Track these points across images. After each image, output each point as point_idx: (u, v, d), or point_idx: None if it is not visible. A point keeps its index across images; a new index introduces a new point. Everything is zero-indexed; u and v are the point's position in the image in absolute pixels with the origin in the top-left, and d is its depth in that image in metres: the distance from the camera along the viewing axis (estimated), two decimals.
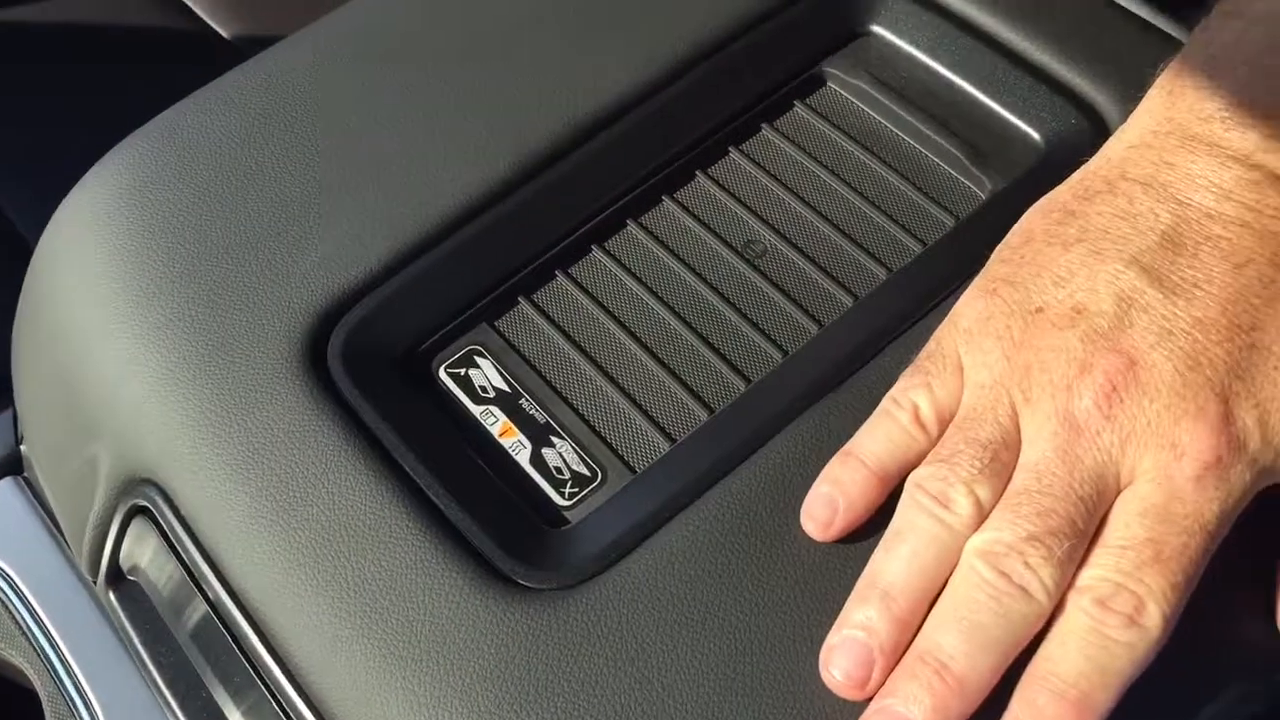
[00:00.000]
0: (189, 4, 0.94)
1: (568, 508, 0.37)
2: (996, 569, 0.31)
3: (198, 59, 0.90)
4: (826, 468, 0.35)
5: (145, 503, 0.38)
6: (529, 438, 0.38)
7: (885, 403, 0.35)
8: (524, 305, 0.41)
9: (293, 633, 0.35)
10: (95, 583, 0.42)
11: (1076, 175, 0.36)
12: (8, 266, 0.52)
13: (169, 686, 0.39)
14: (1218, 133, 0.33)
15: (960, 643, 0.31)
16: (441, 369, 0.40)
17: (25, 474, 0.47)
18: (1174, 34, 0.43)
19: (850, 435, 0.36)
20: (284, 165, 0.42)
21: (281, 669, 0.35)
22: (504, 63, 0.44)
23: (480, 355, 0.40)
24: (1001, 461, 0.32)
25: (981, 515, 0.32)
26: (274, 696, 0.35)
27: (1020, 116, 0.43)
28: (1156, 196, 0.33)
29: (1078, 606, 0.31)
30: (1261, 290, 0.32)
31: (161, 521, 0.38)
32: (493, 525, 0.36)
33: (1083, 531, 0.31)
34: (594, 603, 0.34)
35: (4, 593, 0.43)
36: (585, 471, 0.38)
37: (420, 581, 0.34)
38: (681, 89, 0.44)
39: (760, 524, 0.35)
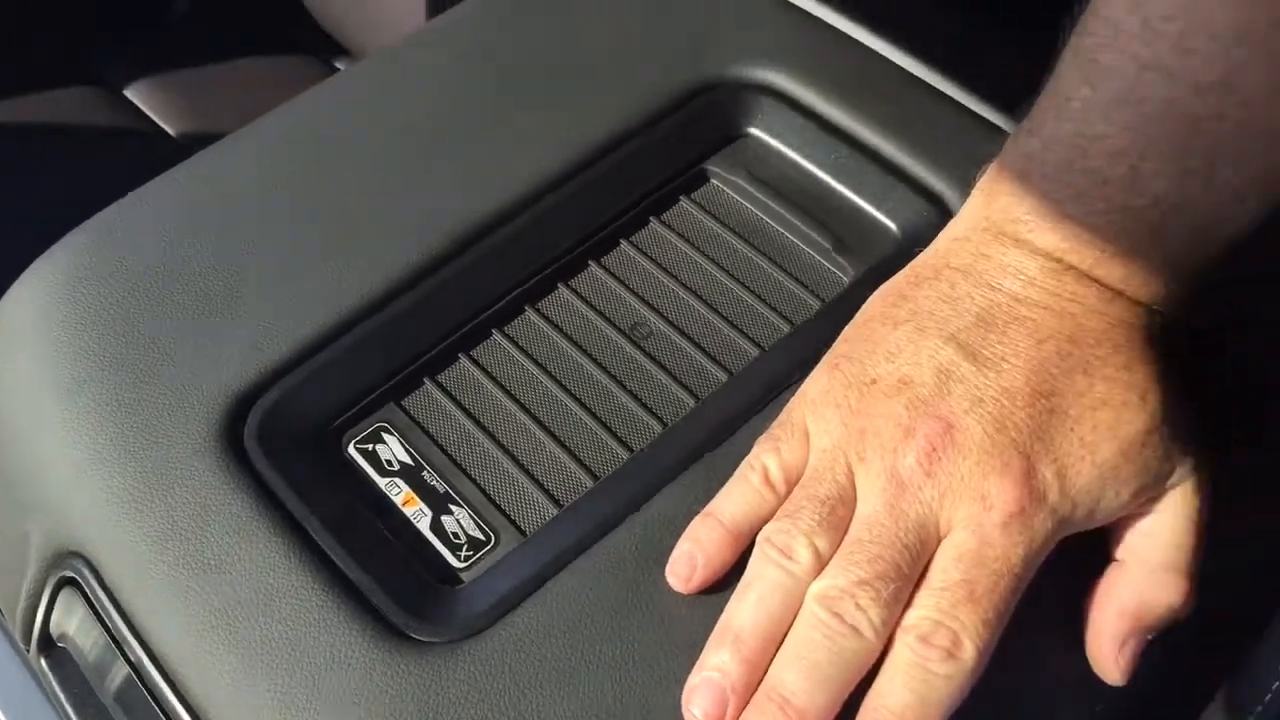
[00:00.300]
0: (138, 104, 0.98)
1: (463, 569, 0.40)
2: (831, 611, 0.35)
3: (145, 156, 0.94)
4: (689, 527, 0.38)
5: (73, 574, 0.41)
6: (429, 506, 0.42)
7: (741, 467, 0.39)
8: (428, 385, 0.44)
9: (206, 692, 0.38)
10: (29, 650, 0.45)
11: (912, 263, 0.40)
12: None
13: None
14: (1024, 232, 0.38)
15: (801, 680, 0.34)
16: (351, 445, 0.43)
17: None
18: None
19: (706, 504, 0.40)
20: (208, 260, 0.46)
21: None
22: (413, 167, 0.48)
23: (387, 432, 0.44)
24: (839, 515, 0.36)
25: (821, 564, 0.36)
26: None
27: (879, 209, 0.48)
28: (973, 283, 0.38)
29: (903, 644, 0.34)
30: (1059, 362, 0.36)
31: (88, 591, 0.41)
32: (391, 585, 0.39)
33: (907, 575, 0.35)
34: (480, 654, 0.37)
35: None
36: (480, 536, 0.41)
37: (323, 639, 0.37)
38: (577, 186, 0.48)
39: (634, 577, 0.38)
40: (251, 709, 0.37)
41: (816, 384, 0.39)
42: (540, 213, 0.47)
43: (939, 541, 0.35)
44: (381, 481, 0.42)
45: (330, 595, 0.38)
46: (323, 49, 1.08)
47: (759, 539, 0.37)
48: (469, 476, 0.42)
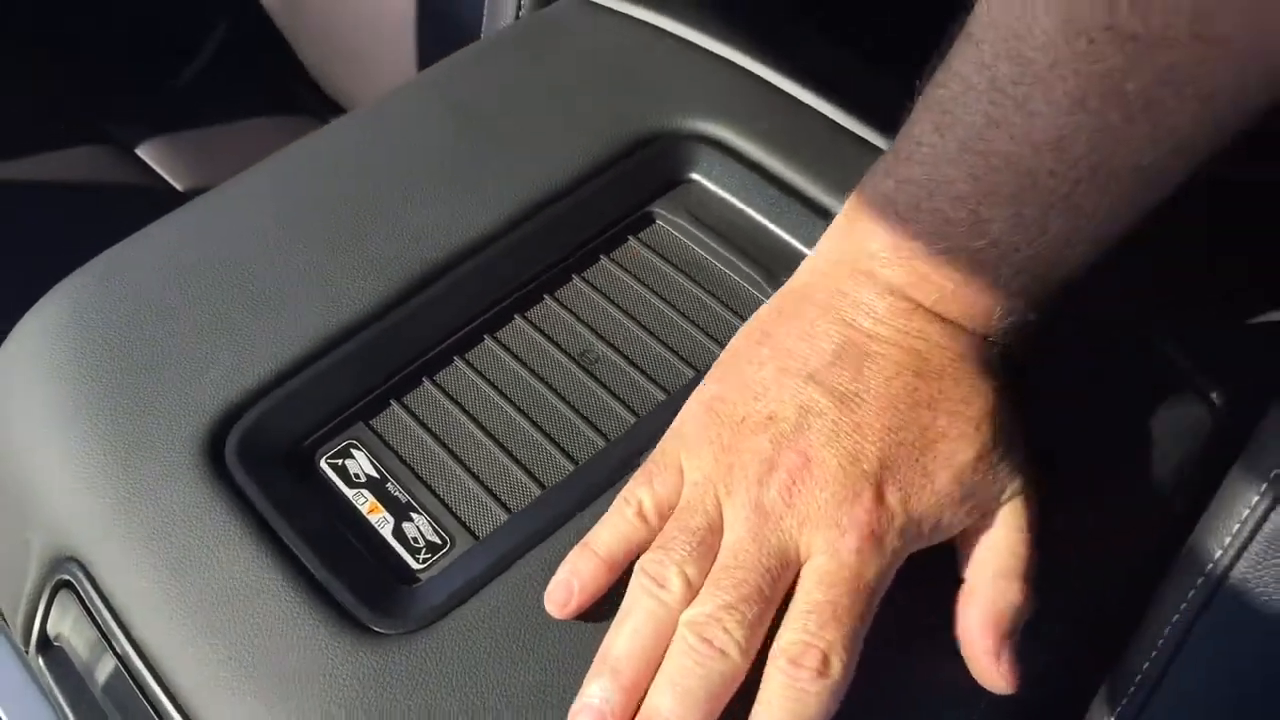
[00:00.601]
0: (148, 161, 1.04)
1: (421, 570, 0.45)
2: (701, 637, 0.38)
3: (153, 211, 1.00)
4: (568, 557, 0.42)
5: (69, 577, 0.45)
6: (392, 514, 0.46)
7: (617, 500, 0.42)
8: (395, 406, 0.49)
9: (186, 679, 0.42)
10: (27, 651, 0.49)
11: (778, 293, 0.44)
12: None
13: None
14: (876, 267, 0.41)
15: (674, 704, 0.37)
16: (323, 460, 0.48)
17: None
18: None
19: None
20: (196, 296, 0.50)
21: (179, 711, 0.42)
22: (384, 209, 0.53)
23: (356, 448, 0.48)
24: (708, 545, 0.39)
25: (692, 592, 0.39)
26: None
27: (804, 243, 0.52)
28: (830, 319, 0.41)
29: (775, 668, 0.37)
30: (907, 398, 0.39)
31: (81, 592, 0.45)
32: (355, 584, 0.43)
33: (769, 598, 0.38)
34: (433, 643, 0.41)
35: None
36: (437, 540, 0.45)
37: (290, 630, 0.42)
38: (534, 227, 0.53)
39: None
40: (228, 694, 0.41)
41: (691, 422, 0.42)
42: (500, 250, 0.52)
43: (800, 566, 0.39)
44: (349, 493, 0.47)
45: (300, 593, 0.42)
46: (323, 110, 1.13)
47: (635, 569, 0.40)
48: (429, 487, 0.47)
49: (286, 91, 1.16)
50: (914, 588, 0.40)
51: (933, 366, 0.40)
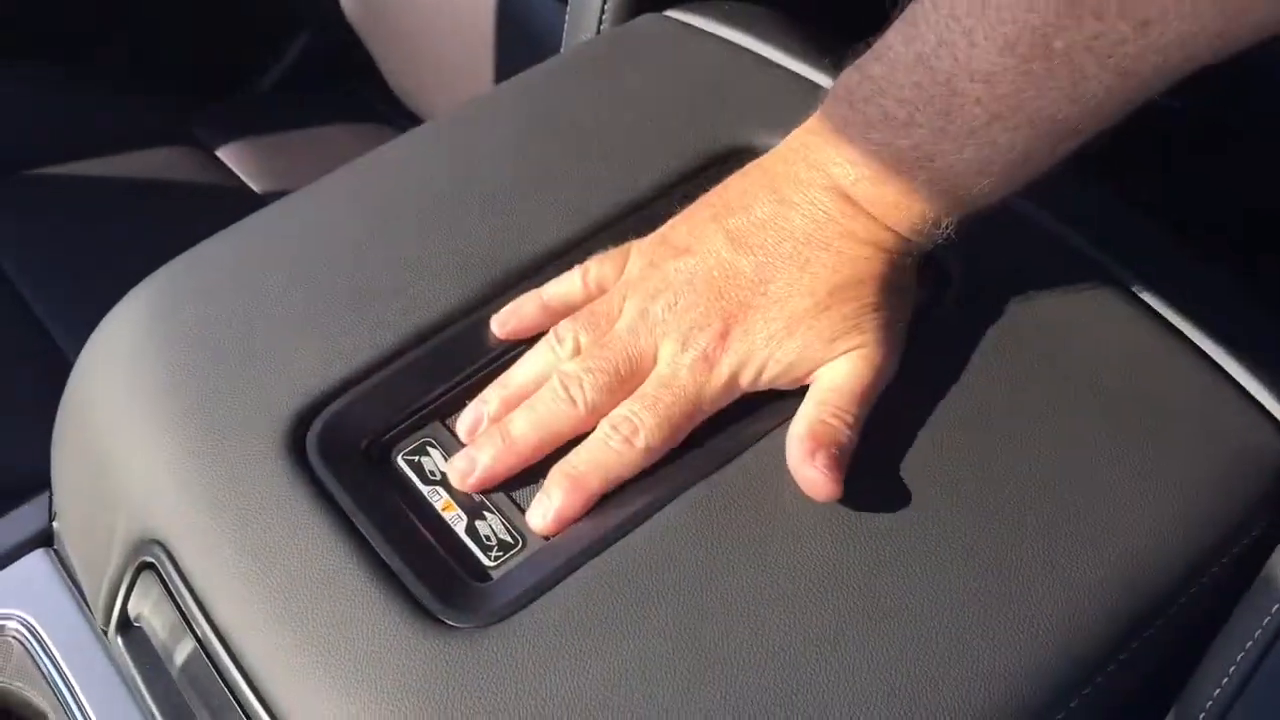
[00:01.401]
0: (228, 164, 1.07)
1: (493, 567, 0.45)
2: (563, 383, 0.47)
3: (233, 211, 1.02)
4: (520, 299, 0.51)
5: (152, 559, 0.47)
6: (466, 512, 0.47)
7: (580, 265, 0.51)
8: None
9: (263, 663, 0.43)
10: (106, 631, 0.50)
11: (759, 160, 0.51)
12: (47, 374, 0.62)
13: (162, 714, 0.47)
14: (816, 146, 0.47)
15: (523, 422, 0.47)
16: (399, 456, 0.49)
17: (55, 546, 0.56)
18: None
19: (720, 510, 0.45)
20: (281, 293, 0.52)
21: (254, 693, 0.43)
22: (463, 213, 0.54)
23: (432, 446, 0.49)
24: (603, 329, 0.48)
25: (578, 350, 0.48)
26: (247, 717, 0.43)
27: None
28: (767, 189, 0.48)
29: (600, 427, 0.47)
30: (787, 258, 0.47)
31: (164, 574, 0.46)
32: (428, 577, 0.44)
33: (623, 379, 0.47)
34: (503, 638, 0.42)
35: (30, 643, 0.52)
36: (509, 539, 0.46)
37: (365, 620, 0.43)
38: (613, 235, 0.54)
39: (637, 579, 0.43)
40: (302, 677, 0.42)
41: (652, 237, 0.51)
42: (579, 256, 0.53)
43: (654, 366, 0.47)
44: (425, 489, 0.48)
45: (375, 583, 0.44)
46: (400, 119, 1.16)
47: (552, 329, 0.50)
48: (501, 488, 0.48)
49: (365, 100, 1.18)
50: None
51: (819, 238, 0.47)
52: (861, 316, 0.47)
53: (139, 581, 0.48)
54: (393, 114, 1.16)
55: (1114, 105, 0.40)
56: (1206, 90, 0.42)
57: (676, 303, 0.47)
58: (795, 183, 0.47)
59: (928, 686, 0.40)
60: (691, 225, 0.50)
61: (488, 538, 0.46)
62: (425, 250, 0.53)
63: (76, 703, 0.50)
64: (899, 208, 0.46)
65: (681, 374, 0.47)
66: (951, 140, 0.43)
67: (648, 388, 0.47)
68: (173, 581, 0.46)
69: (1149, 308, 0.50)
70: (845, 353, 0.47)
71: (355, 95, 1.18)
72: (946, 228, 0.46)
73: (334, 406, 0.49)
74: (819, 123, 0.48)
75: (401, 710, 0.41)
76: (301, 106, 1.15)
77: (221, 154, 1.08)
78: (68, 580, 0.54)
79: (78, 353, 0.54)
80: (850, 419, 0.46)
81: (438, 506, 0.47)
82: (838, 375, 0.47)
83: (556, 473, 0.46)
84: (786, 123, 0.50)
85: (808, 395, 0.47)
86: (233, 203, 1.01)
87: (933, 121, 0.43)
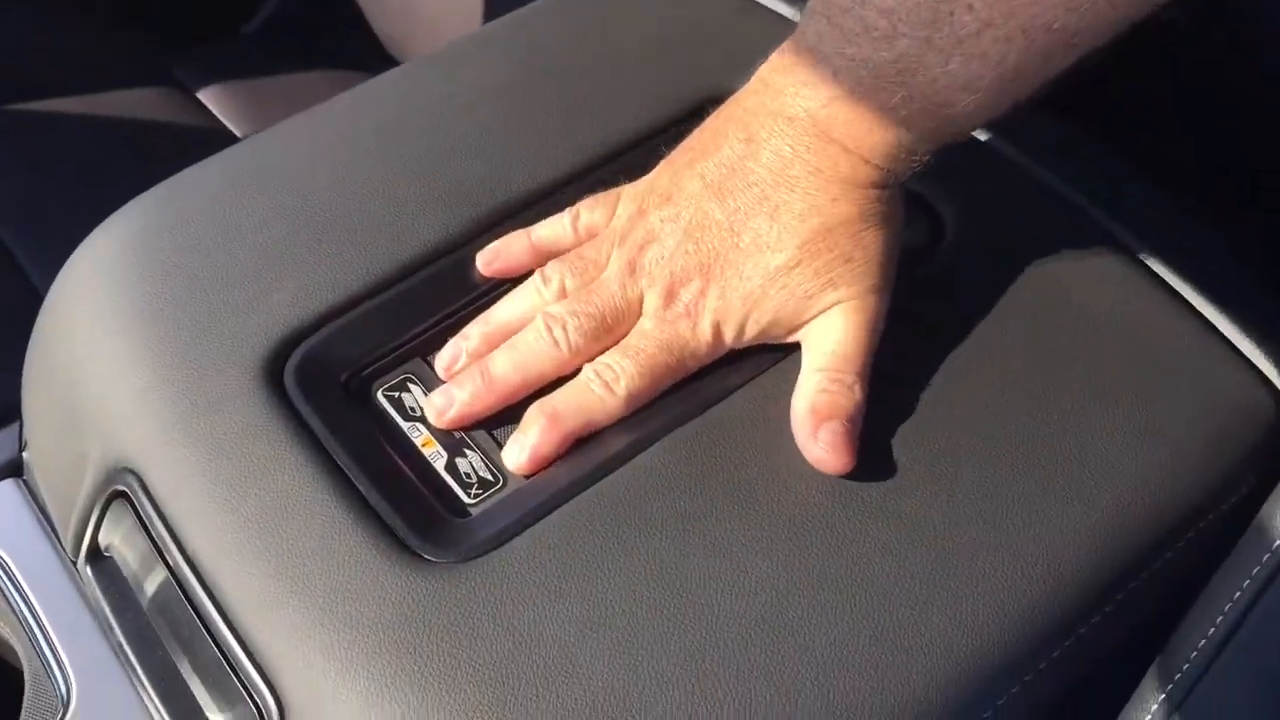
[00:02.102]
0: (209, 106, 1.05)
1: (473, 505, 0.45)
2: (547, 325, 0.47)
3: (210, 151, 1.00)
4: (505, 237, 0.50)
5: (124, 487, 0.46)
6: (446, 449, 0.46)
7: (570, 209, 0.50)
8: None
9: (236, 594, 0.42)
10: (75, 562, 0.49)
11: (736, 95, 0.49)
12: (17, 308, 0.61)
13: (131, 646, 0.46)
14: (784, 69, 0.46)
15: (505, 360, 0.46)
16: (379, 391, 0.48)
17: (24, 477, 0.54)
18: None
19: (704, 453, 0.44)
20: (261, 223, 0.51)
21: (226, 623, 0.42)
22: (449, 150, 0.53)
23: (413, 382, 0.48)
24: (590, 275, 0.48)
25: (563, 293, 0.48)
26: (219, 647, 0.43)
27: None
28: (739, 130, 0.47)
29: (583, 371, 0.46)
30: (755, 204, 0.45)
31: (136, 503, 0.45)
32: (406, 511, 0.43)
33: (608, 326, 0.47)
34: (480, 573, 0.41)
35: None
36: (489, 477, 0.45)
37: (342, 552, 0.42)
38: (601, 176, 0.53)
39: (619, 518, 0.43)
40: (276, 608, 0.41)
41: (639, 185, 0.50)
42: (566, 197, 0.52)
43: (639, 317, 0.47)
44: (405, 425, 0.47)
45: (352, 516, 0.43)
46: (383, 66, 1.13)
47: (538, 271, 0.49)
48: (483, 426, 0.47)
49: (351, 48, 1.17)
50: None
51: (788, 176, 0.45)
52: (835, 269, 0.45)
53: (110, 511, 0.47)
54: (378, 62, 1.14)
55: (1114, 16, 0.39)
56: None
57: (662, 255, 0.47)
58: (764, 115, 0.46)
59: (911, 631, 0.40)
60: (673, 171, 0.49)
61: (468, 475, 0.45)
62: (410, 185, 0.52)
63: (43, 633, 0.49)
64: (873, 131, 0.44)
65: (665, 327, 0.46)
66: (937, 52, 0.41)
67: (631, 339, 0.46)
68: (145, 510, 0.45)
69: (1143, 265, 0.50)
70: (826, 309, 0.46)
71: (341, 43, 1.16)
72: (922, 156, 0.44)
73: (314, 338, 0.48)
74: (793, 43, 0.46)
75: (377, 643, 0.40)
76: (286, 52, 1.13)
77: (203, 96, 1.06)
78: (36, 511, 0.53)
79: (49, 287, 0.52)
80: (850, 379, 0.45)
81: (417, 443, 0.46)
82: (828, 336, 0.46)
83: (534, 410, 0.46)
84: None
85: (804, 364, 0.46)
86: (213, 145, 0.98)
87: (917, 32, 0.40)
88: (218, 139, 1.00)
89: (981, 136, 0.53)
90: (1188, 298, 0.49)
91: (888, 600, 0.41)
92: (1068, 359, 0.47)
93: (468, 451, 0.46)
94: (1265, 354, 0.47)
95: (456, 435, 0.46)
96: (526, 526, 0.43)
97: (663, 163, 0.50)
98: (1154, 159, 0.54)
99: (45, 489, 0.52)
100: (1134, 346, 0.47)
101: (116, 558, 0.48)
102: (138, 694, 0.46)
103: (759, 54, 0.55)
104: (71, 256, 0.53)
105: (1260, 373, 0.47)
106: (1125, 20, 0.40)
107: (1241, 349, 0.47)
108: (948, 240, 0.51)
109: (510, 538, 0.42)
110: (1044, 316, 0.48)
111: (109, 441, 0.47)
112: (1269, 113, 0.54)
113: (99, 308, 0.49)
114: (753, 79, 0.48)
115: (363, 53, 1.16)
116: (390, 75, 0.60)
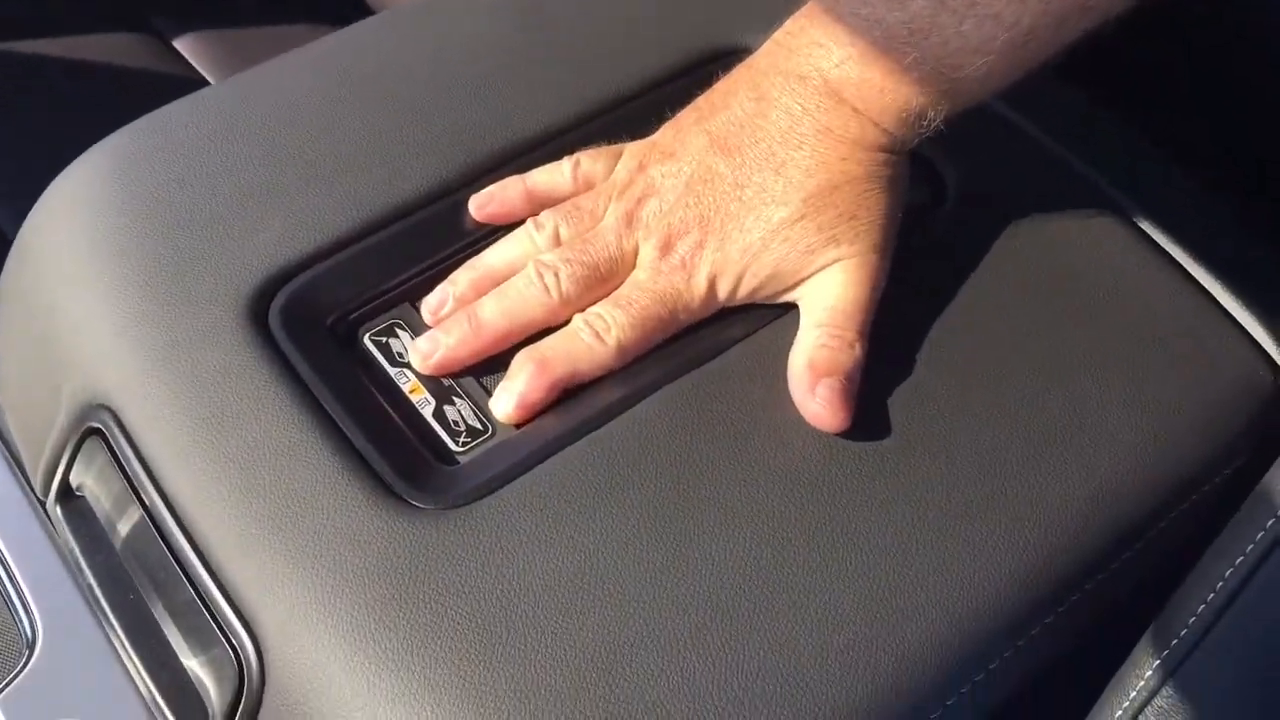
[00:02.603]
0: (184, 54, 1.02)
1: (460, 452, 0.44)
2: (538, 272, 0.46)
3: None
4: (501, 182, 0.49)
5: (99, 424, 0.44)
6: (434, 396, 0.45)
7: (570, 157, 0.49)
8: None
9: (214, 535, 0.41)
10: (44, 502, 0.48)
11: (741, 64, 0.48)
12: None
13: (101, 588, 0.45)
14: (799, 29, 0.46)
15: (493, 306, 0.45)
16: (366, 336, 0.46)
17: None
18: None
19: (699, 405, 0.43)
20: (248, 160, 0.49)
21: (203, 565, 0.41)
22: (444, 94, 0.52)
23: (401, 328, 0.47)
24: (586, 225, 0.47)
25: (555, 244, 0.47)
26: (195, 590, 0.41)
27: None
28: (750, 89, 0.46)
29: (574, 320, 0.45)
30: (763, 161, 0.45)
31: (111, 440, 0.44)
32: (392, 456, 0.42)
33: (602, 276, 0.46)
34: (467, 521, 0.40)
35: None
36: (478, 425, 0.44)
37: (325, 494, 0.41)
38: (598, 126, 0.52)
39: (610, 468, 0.42)
40: (256, 550, 0.40)
41: (644, 140, 0.49)
42: (562, 146, 0.51)
43: (633, 267, 0.46)
44: (392, 370, 0.46)
45: (336, 458, 0.41)
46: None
47: (531, 218, 0.48)
48: (473, 374, 0.46)
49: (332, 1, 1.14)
50: None
51: (795, 135, 0.45)
52: (838, 226, 0.45)
53: (83, 449, 0.46)
54: (359, 16, 1.12)
55: None
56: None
57: (661, 208, 0.46)
58: (776, 75, 0.46)
59: (906, 591, 0.39)
60: (678, 129, 0.48)
61: (456, 423, 0.44)
62: (405, 128, 0.51)
63: (9, 574, 0.48)
64: (884, 93, 0.43)
65: (660, 279, 0.45)
66: (950, 12, 0.40)
67: (624, 289, 0.46)
68: (120, 448, 0.44)
69: (1147, 236, 0.49)
70: (827, 265, 0.45)
71: None
72: (931, 121, 0.44)
73: (301, 278, 0.46)
74: (809, 6, 0.46)
75: (361, 587, 0.39)
76: (265, 2, 1.11)
77: (178, 44, 1.03)
78: (3, 449, 0.51)
79: (16, 231, 0.51)
80: (851, 336, 0.44)
81: (404, 389, 0.45)
82: (828, 293, 0.45)
83: (522, 356, 0.45)
84: (773, 23, 0.48)
85: (802, 321, 0.46)
86: (188, 93, 0.97)
87: None
88: (192, 88, 0.97)
89: (990, 104, 0.52)
90: (1190, 270, 0.48)
91: (883, 559, 0.40)
92: (1067, 326, 0.46)
93: (456, 400, 0.45)
94: (1266, 329, 0.47)
95: (445, 383, 0.45)
96: (516, 475, 0.42)
97: (668, 123, 0.49)
98: (1165, 137, 0.54)
99: (14, 426, 0.51)
100: (1135, 316, 0.47)
101: (89, 497, 0.46)
102: (107, 637, 0.45)
103: (765, 11, 0.55)
104: (48, 189, 0.51)
105: (1260, 347, 0.46)
106: None
107: (1243, 323, 0.47)
108: (950, 203, 0.50)
109: (499, 486, 0.41)
110: (1044, 283, 0.47)
111: (84, 377, 0.45)
112: (1274, 100, 0.54)
113: (76, 241, 0.48)
114: (769, 40, 0.47)
115: (345, 5, 1.13)
116: (383, 17, 0.58)
